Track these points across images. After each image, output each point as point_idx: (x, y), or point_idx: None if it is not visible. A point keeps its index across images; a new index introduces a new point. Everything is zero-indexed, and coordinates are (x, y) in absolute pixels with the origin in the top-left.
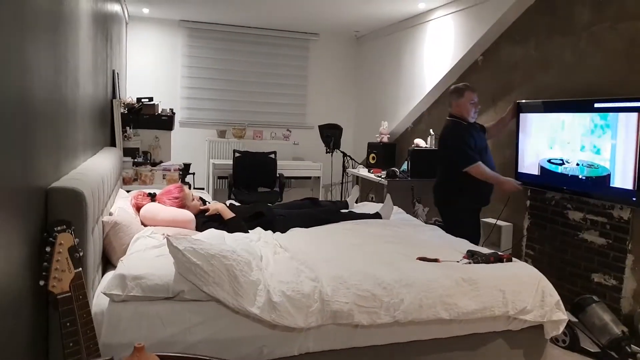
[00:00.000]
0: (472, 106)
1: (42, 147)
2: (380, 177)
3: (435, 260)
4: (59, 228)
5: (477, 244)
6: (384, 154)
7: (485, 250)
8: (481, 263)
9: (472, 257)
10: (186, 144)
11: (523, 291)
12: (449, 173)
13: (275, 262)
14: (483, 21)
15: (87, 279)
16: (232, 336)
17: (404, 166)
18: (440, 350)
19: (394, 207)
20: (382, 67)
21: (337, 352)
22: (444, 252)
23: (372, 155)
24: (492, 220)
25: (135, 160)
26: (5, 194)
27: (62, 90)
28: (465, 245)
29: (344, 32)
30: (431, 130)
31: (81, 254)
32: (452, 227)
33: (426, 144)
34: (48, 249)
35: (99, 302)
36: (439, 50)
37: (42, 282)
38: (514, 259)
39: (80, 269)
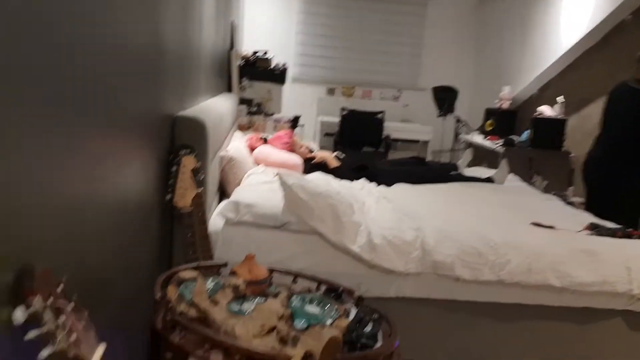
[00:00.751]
0: None
1: (170, 81)
2: (496, 144)
3: (551, 228)
4: (183, 151)
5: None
6: (503, 121)
7: (610, 225)
8: (605, 236)
9: (595, 229)
10: (296, 100)
11: None
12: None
13: (377, 210)
14: None
15: (205, 201)
16: (331, 269)
17: (525, 135)
18: (547, 317)
19: (509, 174)
20: (508, 27)
21: (435, 301)
22: (561, 221)
23: (490, 121)
24: None
25: (250, 110)
26: (141, 118)
27: (188, 36)
28: (588, 218)
29: None
30: (560, 98)
31: (202, 177)
32: (616, 209)
33: (553, 112)
34: (174, 168)
35: (214, 223)
36: (577, 9)
37: (168, 197)
38: None
39: (201, 189)
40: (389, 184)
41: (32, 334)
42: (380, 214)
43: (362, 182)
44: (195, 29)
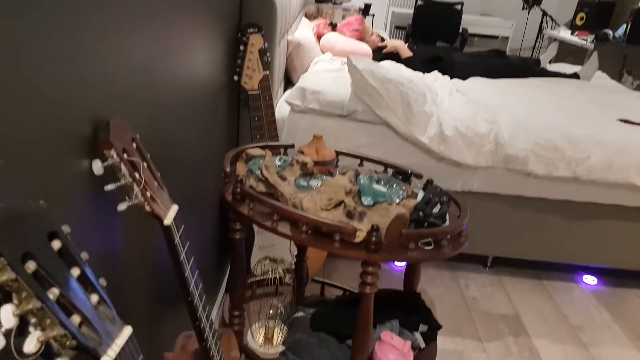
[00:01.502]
0: None
1: None
2: (585, 40)
3: None
4: (251, 30)
5: None
6: (596, 13)
7: None
8: None
9: None
10: None
11: None
12: None
13: (451, 102)
14: None
15: (272, 85)
16: (398, 161)
17: (621, 30)
18: (622, 218)
19: (597, 70)
20: None
21: (502, 197)
22: None
23: (581, 14)
24: None
25: None
26: None
27: None
28: None
29: None
30: None
31: (269, 59)
32: None
33: None
34: (241, 48)
35: (280, 110)
36: None
37: (236, 78)
38: None
39: (268, 72)
40: (464, 77)
41: (110, 187)
42: (453, 105)
43: (436, 74)
44: None
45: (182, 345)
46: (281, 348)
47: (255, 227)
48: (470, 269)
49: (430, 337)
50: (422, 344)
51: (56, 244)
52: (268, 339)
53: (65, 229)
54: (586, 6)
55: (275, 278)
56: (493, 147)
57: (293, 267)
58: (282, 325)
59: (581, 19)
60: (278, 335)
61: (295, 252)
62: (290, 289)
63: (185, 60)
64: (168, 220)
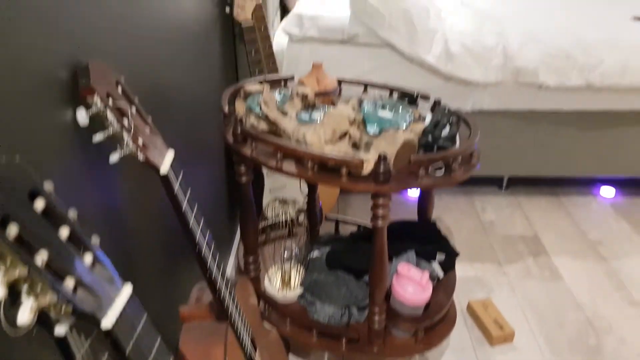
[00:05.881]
0: None
1: None
2: None
3: None
4: None
5: None
6: None
7: None
8: None
9: None
10: None
11: None
12: None
13: (456, 15)
14: None
15: (266, 14)
16: (404, 84)
17: None
18: (638, 123)
19: None
20: None
21: (514, 113)
22: None
23: None
24: None
25: None
26: None
27: None
28: None
29: None
30: None
31: None
32: None
33: None
34: None
35: (278, 42)
36: None
37: (227, 9)
38: None
39: (261, 0)
40: None
41: (98, 138)
42: (458, 19)
43: None
44: None
45: (197, 298)
46: (299, 290)
47: (265, 170)
48: (486, 192)
49: (449, 266)
50: (441, 274)
51: (39, 204)
52: (285, 283)
53: (48, 186)
54: None
55: (286, 220)
56: (502, 61)
57: (305, 206)
58: (299, 267)
59: None
60: (295, 278)
61: (306, 191)
62: (304, 229)
63: None
64: (164, 168)
